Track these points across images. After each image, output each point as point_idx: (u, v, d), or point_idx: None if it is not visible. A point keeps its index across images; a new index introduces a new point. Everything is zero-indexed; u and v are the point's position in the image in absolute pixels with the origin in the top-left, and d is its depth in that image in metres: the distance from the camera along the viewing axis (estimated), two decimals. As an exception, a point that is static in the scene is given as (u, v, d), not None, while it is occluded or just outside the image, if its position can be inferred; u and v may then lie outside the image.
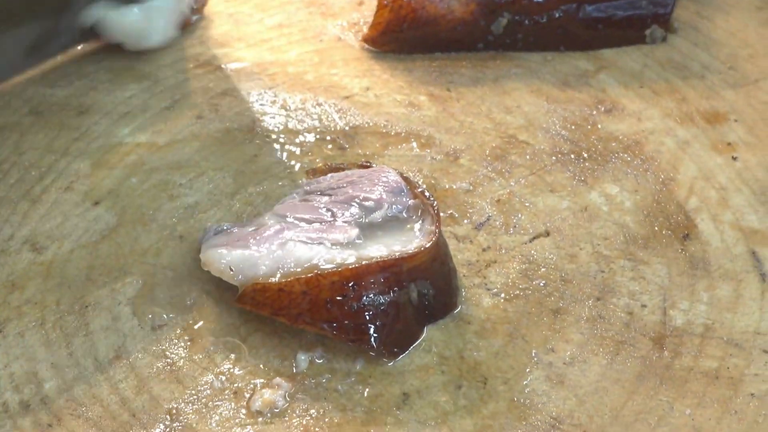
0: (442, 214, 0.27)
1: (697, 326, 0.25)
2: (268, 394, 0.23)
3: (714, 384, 0.23)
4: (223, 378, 0.23)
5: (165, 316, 0.25)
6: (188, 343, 0.24)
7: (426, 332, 0.24)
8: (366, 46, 0.37)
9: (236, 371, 0.23)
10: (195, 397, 0.23)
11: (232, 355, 0.24)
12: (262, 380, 0.23)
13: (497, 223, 0.28)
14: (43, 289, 0.26)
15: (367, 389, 0.23)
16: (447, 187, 0.30)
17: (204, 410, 0.22)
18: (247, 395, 0.23)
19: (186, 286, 0.26)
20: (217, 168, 0.31)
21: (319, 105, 0.34)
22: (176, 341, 0.24)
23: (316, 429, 0.22)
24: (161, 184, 0.30)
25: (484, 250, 0.27)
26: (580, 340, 0.24)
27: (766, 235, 0.28)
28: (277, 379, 0.23)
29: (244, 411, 0.22)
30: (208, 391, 0.23)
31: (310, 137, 0.33)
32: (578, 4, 0.35)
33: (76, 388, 0.23)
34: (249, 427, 0.22)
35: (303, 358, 0.23)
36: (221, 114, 0.34)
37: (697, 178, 0.30)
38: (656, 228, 0.29)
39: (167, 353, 0.24)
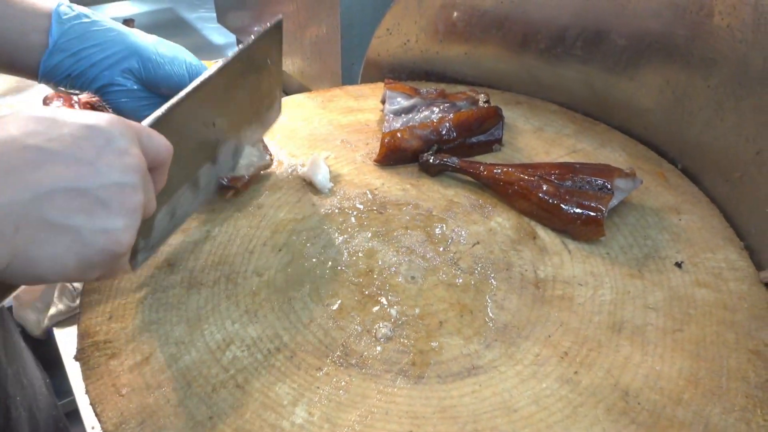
0: (436, 233, 0.58)
1: (549, 276, 0.54)
2: (384, 330, 0.51)
3: (560, 301, 0.51)
4: (361, 326, 0.51)
5: (326, 300, 0.53)
6: (333, 310, 0.52)
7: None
8: (376, 164, 0.67)
9: (366, 321, 0.52)
10: (350, 334, 0.51)
11: (357, 317, 0.52)
12: (378, 324, 0.52)
13: (460, 239, 0.60)
14: (268, 294, 0.50)
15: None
16: (429, 228, 0.61)
17: (354, 340, 0.50)
18: (374, 331, 0.51)
19: (333, 284, 0.54)
20: (329, 229, 0.59)
21: (363, 194, 0.62)
22: (328, 311, 0.52)
23: (405, 343, 0.50)
24: (307, 238, 0.58)
25: (453, 253, 0.59)
26: (507, 287, 0.53)
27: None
28: (383, 323, 0.52)
29: (373, 338, 0.51)
30: (359, 329, 0.51)
31: (361, 207, 0.60)
32: (465, 138, 0.68)
33: (297, 337, 0.48)
34: (378, 345, 0.50)
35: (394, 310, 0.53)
36: (321, 199, 0.63)
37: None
38: (521, 235, 0.59)
39: (332, 316, 0.51)
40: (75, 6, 0.55)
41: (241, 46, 0.54)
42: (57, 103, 1.21)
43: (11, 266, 0.30)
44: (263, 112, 0.61)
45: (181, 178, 0.49)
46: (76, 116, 0.34)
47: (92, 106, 1.33)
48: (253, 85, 0.57)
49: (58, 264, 0.31)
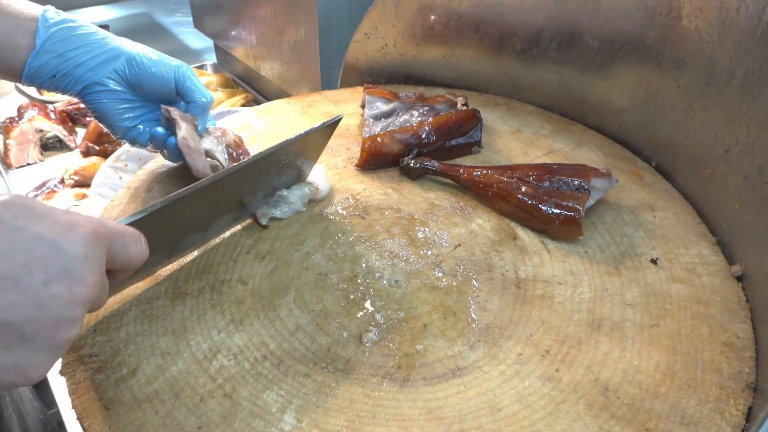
0: (419, 236, 0.59)
1: (530, 276, 0.55)
2: (369, 335, 0.52)
3: (541, 300, 0.52)
4: (347, 331, 0.52)
5: (311, 307, 0.53)
6: (318, 317, 0.53)
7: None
8: (358, 169, 0.67)
9: (351, 326, 0.52)
10: (335, 340, 0.51)
11: (342, 322, 0.53)
12: (363, 329, 0.52)
13: (442, 242, 0.61)
14: (253, 302, 0.50)
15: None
16: (411, 231, 0.62)
17: (340, 345, 0.51)
18: (359, 336, 0.52)
19: (318, 290, 0.55)
20: (312, 235, 0.59)
21: (345, 199, 0.62)
22: (313, 317, 0.53)
23: (390, 347, 0.51)
24: (290, 245, 0.57)
25: (436, 256, 0.59)
26: (489, 288, 0.54)
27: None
28: (369, 328, 0.52)
29: (358, 343, 0.51)
30: (344, 334, 0.52)
31: (343, 212, 0.60)
32: (445, 141, 0.68)
33: (284, 344, 0.48)
34: (364, 350, 0.50)
35: (378, 315, 0.53)
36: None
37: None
38: (502, 236, 0.61)
39: (318, 323, 0.52)
40: (61, 12, 0.56)
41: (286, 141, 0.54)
42: (32, 113, 1.19)
43: None
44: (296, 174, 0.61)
45: (167, 251, 0.50)
46: (46, 225, 0.30)
47: (68, 115, 1.31)
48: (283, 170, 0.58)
49: None
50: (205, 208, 0.51)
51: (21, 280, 0.29)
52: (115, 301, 0.51)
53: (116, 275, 0.38)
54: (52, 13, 0.55)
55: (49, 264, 0.30)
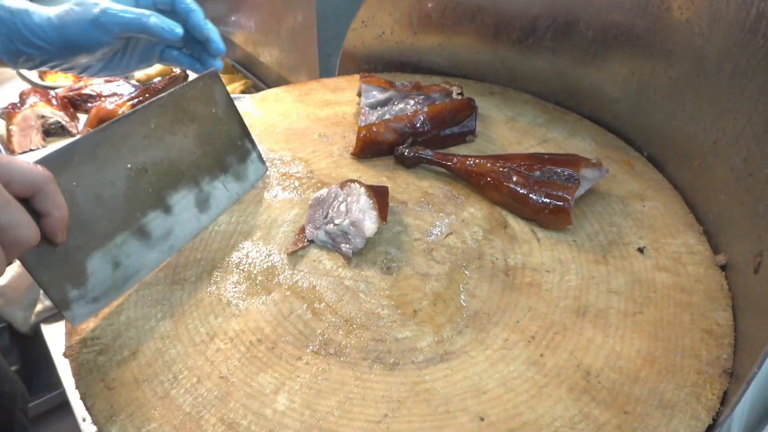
0: (417, 223, 0.60)
1: (519, 264, 0.56)
2: (360, 318, 0.53)
3: (529, 288, 0.53)
4: (339, 316, 0.54)
5: (305, 292, 0.55)
6: (312, 302, 0.55)
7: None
8: (353, 157, 0.68)
9: (344, 312, 0.54)
10: (328, 325, 0.53)
11: (335, 308, 0.55)
12: (355, 314, 0.54)
13: (434, 230, 0.62)
14: (250, 287, 0.54)
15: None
16: (405, 219, 0.63)
17: (332, 330, 0.53)
18: (351, 321, 0.53)
19: (312, 276, 0.57)
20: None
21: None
22: (307, 303, 0.54)
23: (381, 332, 0.53)
24: (286, 231, 0.60)
25: (427, 244, 0.61)
26: (479, 276, 0.57)
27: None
28: (361, 313, 0.54)
29: (350, 328, 0.53)
30: (337, 320, 0.53)
31: None
32: (440, 130, 0.70)
33: (278, 329, 0.50)
34: (355, 335, 0.52)
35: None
36: (299, 193, 0.65)
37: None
38: (492, 225, 0.62)
39: (311, 308, 0.54)
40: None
41: (159, 96, 0.55)
42: (34, 99, 1.20)
43: None
44: (232, 165, 0.61)
45: (116, 223, 0.49)
46: None
47: (70, 101, 1.32)
48: (195, 134, 0.56)
49: None
50: (127, 171, 0.50)
51: None
52: (115, 286, 0.52)
53: (35, 202, 0.38)
54: None
55: None
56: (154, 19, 0.57)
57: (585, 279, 0.54)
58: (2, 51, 0.56)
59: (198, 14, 0.60)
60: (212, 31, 0.61)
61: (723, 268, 0.54)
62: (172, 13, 0.60)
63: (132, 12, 0.57)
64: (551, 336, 0.49)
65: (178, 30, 0.58)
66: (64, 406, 0.80)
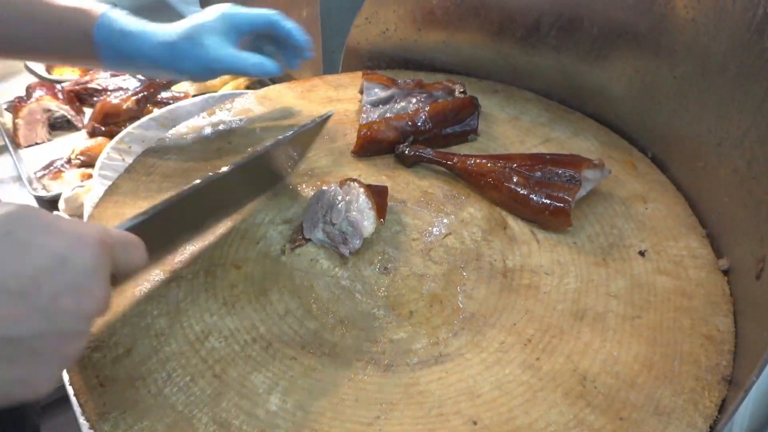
0: (415, 223, 0.60)
1: (517, 266, 0.55)
2: (355, 319, 0.53)
3: (527, 290, 0.52)
4: (334, 317, 0.53)
5: (301, 292, 0.55)
6: (308, 302, 0.54)
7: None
8: (354, 155, 0.68)
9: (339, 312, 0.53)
10: (323, 325, 0.53)
11: (330, 308, 0.54)
12: (350, 314, 0.53)
13: (432, 230, 0.62)
14: (246, 286, 0.51)
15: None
16: (404, 218, 0.62)
17: (327, 330, 0.52)
18: (346, 321, 0.53)
19: (309, 276, 0.56)
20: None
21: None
22: (303, 302, 0.54)
23: (376, 332, 0.52)
24: (284, 230, 0.58)
25: (426, 244, 0.60)
26: (476, 277, 0.55)
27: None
28: (356, 314, 0.54)
29: (345, 328, 0.52)
30: (332, 320, 0.53)
31: None
32: (441, 129, 0.69)
33: (273, 328, 0.49)
34: (350, 335, 0.52)
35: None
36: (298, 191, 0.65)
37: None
38: (492, 225, 0.61)
39: (307, 308, 0.54)
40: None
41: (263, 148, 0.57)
42: (40, 92, 1.21)
43: None
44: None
45: (163, 251, 0.51)
46: (53, 237, 0.30)
47: (76, 95, 1.32)
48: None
49: None
50: (201, 209, 0.52)
51: (29, 294, 0.29)
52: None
53: (116, 281, 0.39)
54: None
55: (57, 277, 0.30)
56: (253, 60, 0.63)
57: (584, 282, 0.53)
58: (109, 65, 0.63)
59: (297, 31, 0.67)
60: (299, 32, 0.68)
61: (726, 272, 0.53)
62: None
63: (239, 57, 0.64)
64: (548, 339, 0.48)
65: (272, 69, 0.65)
66: (64, 399, 0.80)
